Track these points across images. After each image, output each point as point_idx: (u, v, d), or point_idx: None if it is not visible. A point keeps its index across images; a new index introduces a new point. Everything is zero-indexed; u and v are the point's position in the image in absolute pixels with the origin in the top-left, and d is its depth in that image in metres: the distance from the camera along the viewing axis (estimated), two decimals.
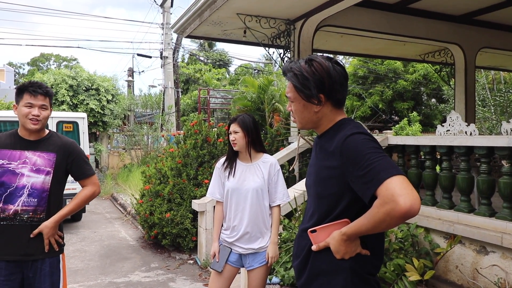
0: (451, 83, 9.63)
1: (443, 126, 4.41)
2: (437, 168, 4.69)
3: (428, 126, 17.38)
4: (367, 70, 18.01)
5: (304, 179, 1.85)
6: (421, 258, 3.85)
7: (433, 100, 19.01)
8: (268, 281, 3.51)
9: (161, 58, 15.68)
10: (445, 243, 3.87)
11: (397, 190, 1.28)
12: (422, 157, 5.05)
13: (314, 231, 1.56)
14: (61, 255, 2.42)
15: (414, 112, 16.34)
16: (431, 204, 4.21)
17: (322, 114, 1.60)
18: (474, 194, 4.14)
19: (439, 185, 4.19)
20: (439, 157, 5.30)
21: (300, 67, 1.56)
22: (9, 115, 7.48)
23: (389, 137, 4.79)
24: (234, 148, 2.69)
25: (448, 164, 4.08)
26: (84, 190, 2.52)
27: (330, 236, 1.51)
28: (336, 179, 1.50)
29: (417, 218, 4.12)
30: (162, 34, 15.65)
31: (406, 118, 15.77)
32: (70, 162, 2.42)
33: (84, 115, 7.81)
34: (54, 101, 13.31)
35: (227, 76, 28.11)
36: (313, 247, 1.55)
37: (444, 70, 9.33)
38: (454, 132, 4.24)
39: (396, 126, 15.17)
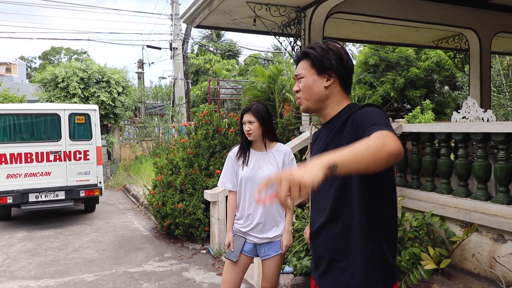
0: (465, 69, 9.43)
1: (458, 112, 4.32)
2: (451, 156, 4.60)
3: (440, 114, 17.11)
4: (378, 58, 17.74)
5: None
6: (436, 246, 3.80)
7: (446, 87, 18.68)
8: (280, 271, 3.50)
9: (171, 49, 15.64)
10: (461, 231, 3.81)
11: (393, 136, 1.28)
12: (437, 145, 4.96)
13: None
14: None
15: (427, 100, 16.08)
16: (446, 192, 4.14)
17: (331, 92, 1.61)
18: (491, 182, 4.06)
19: (455, 173, 4.12)
20: (453, 144, 5.22)
21: (319, 44, 1.63)
22: (23, 108, 7.56)
23: (403, 125, 4.71)
24: (249, 138, 2.66)
25: (464, 151, 3.99)
26: None
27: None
28: None
29: (432, 206, 4.06)
30: (171, 25, 15.59)
31: (419, 107, 15.54)
32: None
33: (96, 107, 7.83)
34: (65, 94, 13.42)
35: (237, 66, 27.99)
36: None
37: (458, 56, 9.13)
38: (471, 118, 4.15)
39: (408, 114, 14.98)
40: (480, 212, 3.67)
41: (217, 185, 2.86)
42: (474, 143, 4.11)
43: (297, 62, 1.70)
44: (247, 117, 2.64)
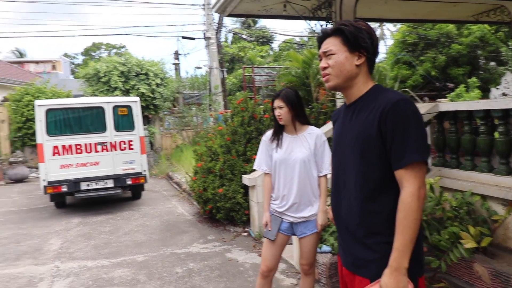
0: (509, 43, 8.97)
1: (497, 89, 4.20)
2: (496, 134, 4.48)
3: (486, 92, 16.31)
4: (417, 36, 17.10)
5: None
6: (477, 225, 3.76)
7: (492, 63, 17.75)
8: (318, 250, 3.62)
9: (205, 39, 15.87)
10: (503, 210, 3.75)
11: (420, 179, 1.50)
12: (479, 123, 4.84)
13: None
14: None
15: (474, 77, 15.35)
16: (487, 170, 4.07)
17: (360, 71, 1.63)
18: None
19: (496, 151, 4.03)
20: (496, 122, 5.06)
21: (351, 22, 1.62)
22: (71, 102, 8.03)
23: (439, 104, 4.63)
24: (280, 123, 2.79)
25: (505, 128, 3.90)
26: None
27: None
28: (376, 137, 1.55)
29: (472, 185, 4.01)
30: (204, 15, 15.79)
31: (463, 85, 14.91)
32: None
33: (137, 99, 8.20)
34: (108, 88, 14.03)
35: (271, 53, 27.90)
36: None
37: (501, 30, 8.69)
38: (511, 94, 4.03)
39: (451, 93, 14.42)
40: None
41: (253, 167, 3.01)
42: None
43: (323, 38, 1.67)
44: (277, 103, 2.77)
